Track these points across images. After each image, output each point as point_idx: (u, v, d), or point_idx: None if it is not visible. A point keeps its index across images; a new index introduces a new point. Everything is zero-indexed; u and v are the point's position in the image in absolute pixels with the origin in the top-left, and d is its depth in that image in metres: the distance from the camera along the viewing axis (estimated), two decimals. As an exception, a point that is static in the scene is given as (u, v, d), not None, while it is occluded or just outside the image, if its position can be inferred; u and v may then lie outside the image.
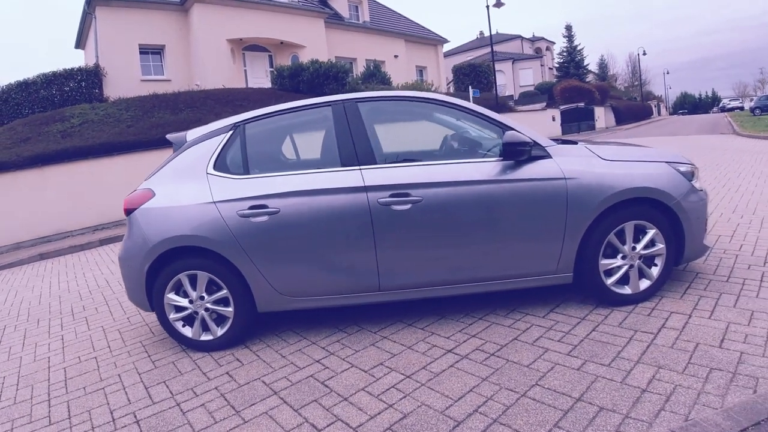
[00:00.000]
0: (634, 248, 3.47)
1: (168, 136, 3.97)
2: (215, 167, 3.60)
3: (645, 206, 3.43)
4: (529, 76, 49.96)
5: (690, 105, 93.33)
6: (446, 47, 41.21)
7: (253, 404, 2.84)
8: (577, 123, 33.52)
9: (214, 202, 3.46)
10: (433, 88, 24.93)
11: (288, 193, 3.41)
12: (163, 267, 3.53)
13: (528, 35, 58.85)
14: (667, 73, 74.40)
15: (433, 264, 3.44)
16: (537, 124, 29.24)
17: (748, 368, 2.57)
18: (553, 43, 59.75)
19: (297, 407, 2.74)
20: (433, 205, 3.34)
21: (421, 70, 33.14)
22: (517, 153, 3.34)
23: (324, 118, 3.71)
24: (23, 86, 17.54)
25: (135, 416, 2.89)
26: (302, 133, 4.14)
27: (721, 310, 3.28)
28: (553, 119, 31.65)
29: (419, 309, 3.91)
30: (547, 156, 3.43)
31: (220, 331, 3.61)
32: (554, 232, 3.38)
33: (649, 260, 3.55)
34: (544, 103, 34.35)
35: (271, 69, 22.13)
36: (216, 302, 3.57)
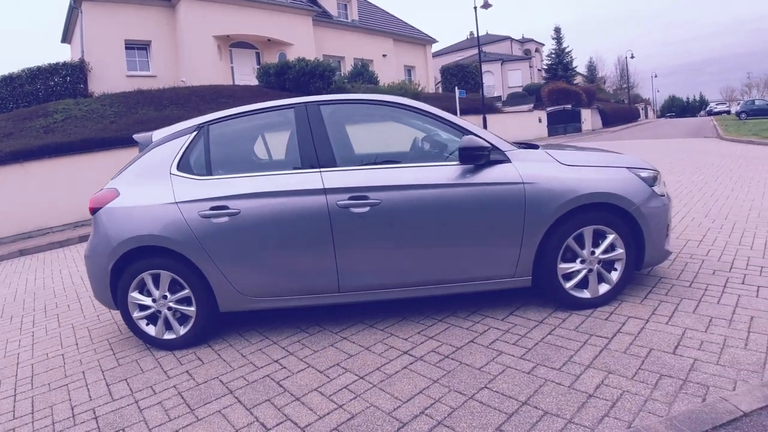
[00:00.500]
0: (593, 253, 3.50)
1: (135, 136, 3.98)
2: (179, 168, 3.62)
3: (604, 211, 3.47)
4: (518, 78, 50.12)
5: (678, 108, 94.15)
6: (436, 47, 41.30)
7: (208, 403, 2.87)
8: (563, 125, 33.57)
9: (177, 203, 3.47)
10: (420, 89, 24.91)
11: (249, 195, 3.43)
12: (127, 266, 3.55)
13: (518, 37, 59.07)
14: (655, 76, 75.00)
15: (392, 266, 3.47)
16: (524, 126, 29.34)
17: (699, 376, 2.57)
18: (543, 45, 59.92)
19: (249, 406, 2.78)
20: (392, 207, 3.37)
21: (409, 70, 33.12)
22: (474, 158, 3.37)
23: (287, 120, 3.74)
24: (8, 81, 17.31)
25: (94, 412, 2.94)
26: (266, 135, 4.16)
27: (680, 316, 3.29)
28: (540, 121, 31.69)
29: (381, 310, 3.94)
30: (507, 160, 3.47)
31: (182, 330, 3.63)
32: (512, 236, 3.41)
33: (608, 265, 3.58)
34: (532, 105, 34.37)
35: (258, 66, 22.02)
36: (179, 302, 3.59)
